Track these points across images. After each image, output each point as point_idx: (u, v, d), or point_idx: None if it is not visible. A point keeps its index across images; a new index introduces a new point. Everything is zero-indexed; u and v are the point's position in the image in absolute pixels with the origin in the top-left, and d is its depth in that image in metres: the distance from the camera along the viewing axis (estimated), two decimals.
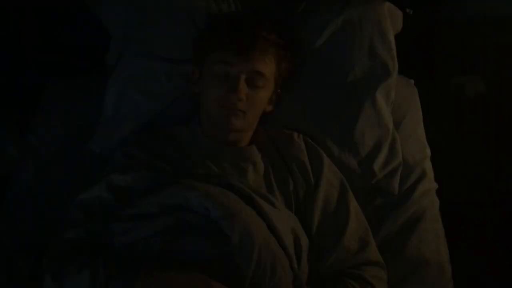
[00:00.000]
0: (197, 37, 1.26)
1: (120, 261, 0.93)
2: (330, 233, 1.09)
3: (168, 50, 1.31)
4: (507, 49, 1.73)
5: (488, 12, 1.67)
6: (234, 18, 1.24)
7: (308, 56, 1.31)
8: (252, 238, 0.92)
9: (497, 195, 1.77)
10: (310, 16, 1.33)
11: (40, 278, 0.98)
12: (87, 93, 1.43)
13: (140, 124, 1.29)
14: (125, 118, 1.30)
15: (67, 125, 1.38)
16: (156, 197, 1.01)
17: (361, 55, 1.31)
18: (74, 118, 1.39)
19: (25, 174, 1.31)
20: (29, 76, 1.63)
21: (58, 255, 0.98)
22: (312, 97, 1.30)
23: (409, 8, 1.52)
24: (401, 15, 1.40)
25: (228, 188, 1.02)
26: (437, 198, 1.35)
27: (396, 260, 1.19)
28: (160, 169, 1.10)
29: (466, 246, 1.54)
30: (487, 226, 1.72)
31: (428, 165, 1.39)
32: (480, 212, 1.72)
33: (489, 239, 1.69)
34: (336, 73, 1.31)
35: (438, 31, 1.68)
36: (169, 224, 0.97)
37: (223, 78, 1.12)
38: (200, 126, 1.20)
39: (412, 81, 1.53)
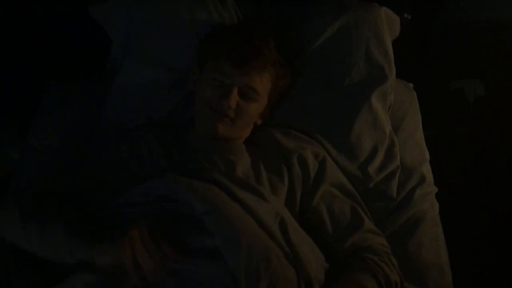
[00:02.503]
0: (202, 41, 1.26)
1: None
2: (346, 218, 1.11)
3: (170, 58, 1.31)
4: (506, 52, 1.74)
5: (487, 16, 1.68)
6: (239, 30, 1.23)
7: (305, 59, 1.31)
8: (237, 234, 0.91)
9: (497, 198, 1.77)
10: (308, 20, 1.34)
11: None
12: (87, 96, 1.43)
13: None
14: (127, 124, 1.31)
15: (67, 127, 1.38)
16: (143, 188, 1.03)
17: (358, 59, 1.31)
18: (74, 120, 1.39)
19: (25, 176, 1.31)
20: (29, 79, 1.63)
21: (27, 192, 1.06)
22: (310, 100, 1.31)
23: (408, 13, 1.52)
24: (398, 19, 1.41)
25: (213, 183, 1.02)
26: (437, 202, 1.34)
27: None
28: (151, 161, 1.12)
29: (467, 249, 1.54)
30: (487, 229, 1.72)
31: (427, 169, 1.38)
32: (480, 215, 1.72)
33: (489, 242, 1.69)
34: (333, 77, 1.31)
35: (437, 34, 1.68)
36: (156, 212, 0.99)
37: (218, 86, 1.14)
38: (193, 125, 1.22)
39: (411, 85, 1.53)
